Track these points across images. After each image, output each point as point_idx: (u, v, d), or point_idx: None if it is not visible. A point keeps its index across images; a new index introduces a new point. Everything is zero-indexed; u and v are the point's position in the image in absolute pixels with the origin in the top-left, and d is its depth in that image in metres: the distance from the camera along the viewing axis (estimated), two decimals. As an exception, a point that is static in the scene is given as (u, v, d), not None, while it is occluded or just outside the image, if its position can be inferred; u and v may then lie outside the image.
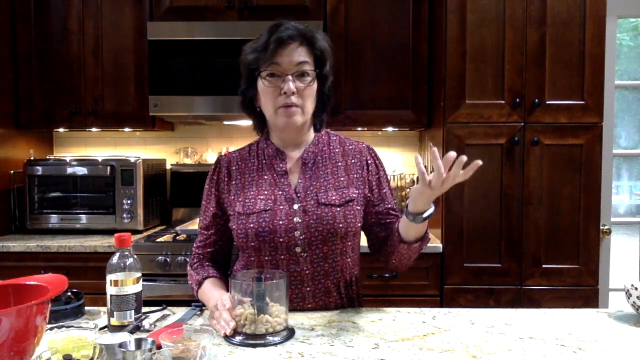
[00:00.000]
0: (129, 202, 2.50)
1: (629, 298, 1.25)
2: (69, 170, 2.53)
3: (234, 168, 1.38)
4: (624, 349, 1.06)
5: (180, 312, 1.32)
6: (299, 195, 1.31)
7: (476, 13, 2.22)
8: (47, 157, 2.73)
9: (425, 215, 1.19)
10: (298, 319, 1.23)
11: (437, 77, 2.40)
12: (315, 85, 1.29)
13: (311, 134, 1.39)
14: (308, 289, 1.30)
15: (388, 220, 1.37)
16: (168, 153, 2.98)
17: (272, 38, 1.24)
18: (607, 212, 2.61)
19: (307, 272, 1.29)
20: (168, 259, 2.24)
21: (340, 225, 1.28)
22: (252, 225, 1.28)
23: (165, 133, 2.96)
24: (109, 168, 2.50)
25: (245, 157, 1.40)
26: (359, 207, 1.33)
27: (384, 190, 1.38)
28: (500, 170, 2.24)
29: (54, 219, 2.55)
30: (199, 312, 1.32)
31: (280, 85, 1.25)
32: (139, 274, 1.19)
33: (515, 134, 2.23)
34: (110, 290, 1.16)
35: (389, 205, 1.38)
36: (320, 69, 1.30)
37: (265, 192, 1.32)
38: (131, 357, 0.94)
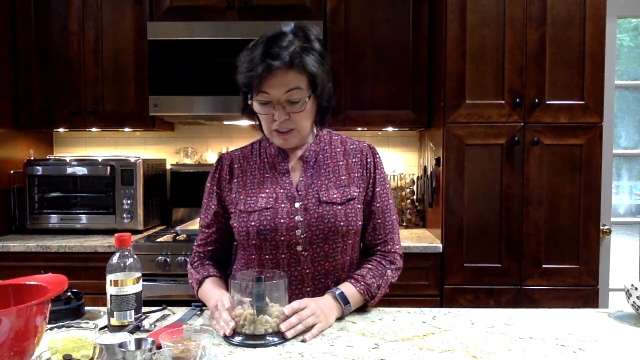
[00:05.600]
0: (129, 202, 2.50)
1: (629, 298, 1.25)
2: (69, 170, 2.53)
3: (236, 166, 1.38)
4: (624, 349, 1.06)
5: (180, 312, 1.32)
6: (300, 193, 1.31)
7: (476, 13, 2.22)
8: (47, 157, 2.73)
9: (347, 311, 1.26)
10: (298, 319, 1.23)
11: (437, 77, 2.40)
12: (309, 106, 1.26)
13: (312, 135, 1.39)
14: (308, 288, 1.30)
15: (367, 222, 1.37)
16: (168, 153, 2.98)
17: (260, 68, 1.18)
18: (607, 212, 2.61)
19: (307, 271, 1.29)
20: (168, 259, 2.24)
21: (342, 224, 1.28)
22: (253, 223, 1.28)
23: (165, 133, 2.96)
24: (109, 168, 2.50)
25: (247, 155, 1.40)
26: (359, 206, 1.33)
27: (377, 189, 1.37)
28: (500, 170, 2.24)
29: (54, 219, 2.55)
30: (199, 312, 1.32)
31: (272, 112, 1.24)
32: (139, 274, 1.19)
33: (515, 134, 2.23)
34: (110, 290, 1.16)
35: (377, 205, 1.36)
36: (314, 87, 1.25)
37: (267, 191, 1.32)
38: (131, 357, 0.94)
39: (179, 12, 2.55)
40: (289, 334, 1.10)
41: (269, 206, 1.29)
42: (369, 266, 1.34)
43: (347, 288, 1.27)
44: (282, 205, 1.29)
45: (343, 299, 1.25)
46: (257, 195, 1.31)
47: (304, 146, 1.37)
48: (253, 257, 1.32)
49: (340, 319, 1.25)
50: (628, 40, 2.87)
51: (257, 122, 1.37)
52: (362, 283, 1.29)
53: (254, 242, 1.29)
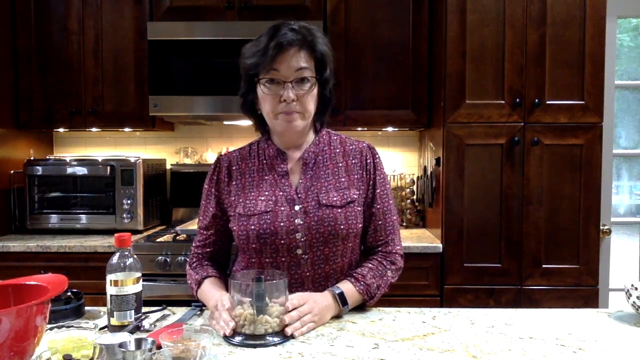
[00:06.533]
0: (129, 202, 2.50)
1: (629, 298, 1.25)
2: (69, 170, 2.53)
3: (234, 168, 1.38)
4: (624, 349, 1.06)
5: (180, 312, 1.32)
6: (299, 195, 1.30)
7: (476, 13, 2.22)
8: (47, 157, 2.73)
9: (344, 310, 1.26)
10: (298, 319, 1.23)
11: (437, 77, 2.40)
12: (315, 90, 1.28)
13: (311, 135, 1.38)
14: (308, 291, 1.29)
15: (368, 224, 1.37)
16: (168, 153, 2.98)
17: (271, 44, 1.21)
18: (607, 212, 2.61)
19: (307, 274, 1.29)
20: (168, 259, 2.24)
21: (342, 227, 1.28)
22: (253, 227, 1.27)
23: (165, 133, 2.96)
24: (109, 168, 2.50)
25: (245, 157, 1.39)
26: (359, 208, 1.33)
27: (377, 191, 1.36)
28: (500, 170, 2.24)
29: (54, 219, 2.55)
30: (199, 312, 1.32)
31: (280, 92, 1.23)
32: (139, 274, 1.19)
33: (515, 134, 2.23)
34: (110, 290, 1.16)
35: (378, 207, 1.36)
36: (320, 73, 1.28)
37: (266, 193, 1.31)
38: (131, 357, 0.94)
39: (179, 12, 2.55)
40: (289, 330, 1.11)
41: (268, 209, 1.28)
42: (370, 265, 1.34)
43: (347, 287, 1.27)
44: (282, 208, 1.28)
45: (342, 300, 1.25)
46: (256, 198, 1.31)
47: (302, 147, 1.36)
48: (253, 260, 1.32)
49: (337, 317, 1.25)
50: (628, 40, 2.87)
51: (255, 122, 1.37)
52: (362, 283, 1.29)
53: (254, 245, 1.29)
